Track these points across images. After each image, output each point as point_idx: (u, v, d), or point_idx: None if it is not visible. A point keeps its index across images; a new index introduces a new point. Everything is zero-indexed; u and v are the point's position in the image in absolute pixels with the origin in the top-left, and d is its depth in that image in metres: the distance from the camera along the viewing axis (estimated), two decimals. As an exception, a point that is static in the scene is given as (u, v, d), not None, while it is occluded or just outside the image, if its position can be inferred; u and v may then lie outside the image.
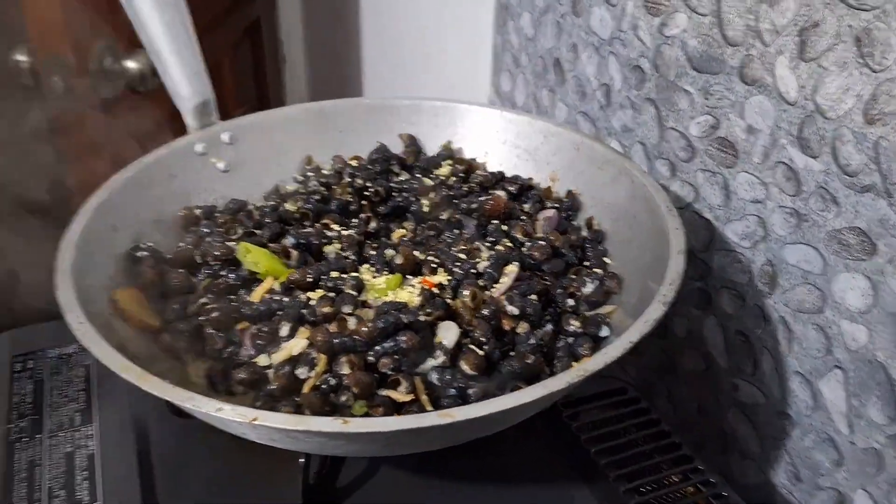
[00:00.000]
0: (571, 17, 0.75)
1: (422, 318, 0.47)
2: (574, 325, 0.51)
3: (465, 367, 0.47)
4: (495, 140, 0.69)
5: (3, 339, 0.65)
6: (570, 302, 0.53)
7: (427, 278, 0.53)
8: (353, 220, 0.62)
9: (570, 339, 0.51)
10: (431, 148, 0.71)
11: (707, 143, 0.61)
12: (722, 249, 0.62)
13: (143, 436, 0.55)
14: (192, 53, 0.63)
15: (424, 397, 0.46)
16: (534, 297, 0.52)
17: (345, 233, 0.59)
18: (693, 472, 0.53)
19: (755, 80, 0.55)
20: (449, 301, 0.51)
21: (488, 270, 0.54)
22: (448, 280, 0.53)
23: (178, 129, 0.66)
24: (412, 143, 0.71)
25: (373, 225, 0.61)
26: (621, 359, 0.42)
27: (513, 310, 0.51)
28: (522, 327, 0.51)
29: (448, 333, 0.48)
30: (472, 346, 0.48)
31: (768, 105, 0.54)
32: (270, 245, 0.57)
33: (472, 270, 0.54)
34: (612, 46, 0.70)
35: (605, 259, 0.58)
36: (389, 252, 0.56)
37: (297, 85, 1.74)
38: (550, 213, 0.61)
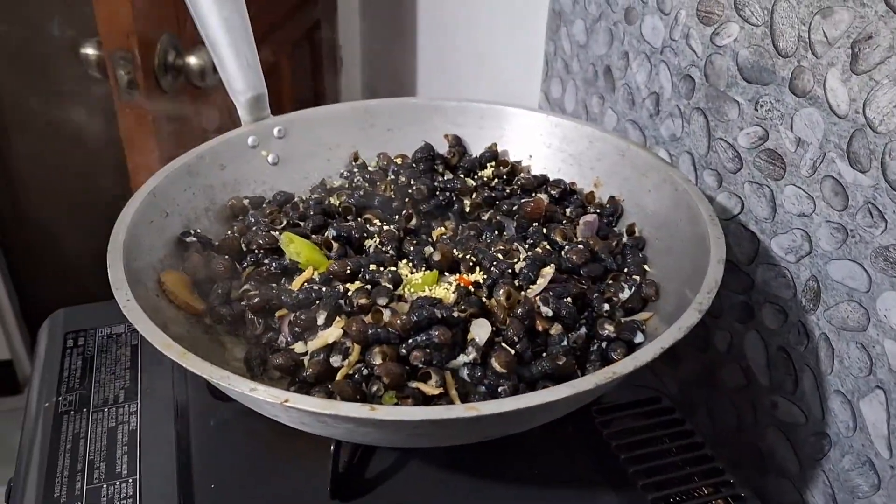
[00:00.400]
0: (624, 25, 0.75)
1: (455, 314, 0.48)
2: (608, 329, 0.51)
3: (495, 364, 0.47)
4: (540, 143, 0.70)
5: (57, 317, 0.67)
6: (606, 307, 0.53)
7: (464, 276, 0.54)
8: (395, 217, 0.63)
9: (604, 344, 0.51)
10: (476, 149, 0.72)
11: (755, 155, 0.60)
12: (766, 263, 0.61)
13: (183, 416, 0.57)
14: (248, 49, 0.65)
15: (454, 392, 0.46)
16: (569, 299, 0.52)
17: (385, 228, 0.60)
18: (724, 486, 0.53)
19: (806, 92, 0.54)
20: (484, 300, 0.51)
21: (524, 271, 0.54)
22: (484, 279, 0.54)
23: (232, 123, 0.69)
24: (457, 144, 0.71)
25: (413, 222, 0.61)
26: (652, 364, 0.42)
27: (547, 311, 0.51)
28: (556, 329, 0.51)
29: (480, 331, 0.48)
30: (504, 345, 0.48)
31: (818, 117, 0.53)
32: (313, 236, 0.58)
33: (509, 271, 0.54)
34: (663, 55, 0.69)
35: (645, 266, 0.58)
36: (428, 249, 0.56)
37: (352, 86, 1.77)
38: (591, 217, 0.61)
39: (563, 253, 0.57)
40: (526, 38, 0.96)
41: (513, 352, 0.48)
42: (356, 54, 1.74)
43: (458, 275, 0.55)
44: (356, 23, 1.70)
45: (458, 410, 0.38)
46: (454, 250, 0.56)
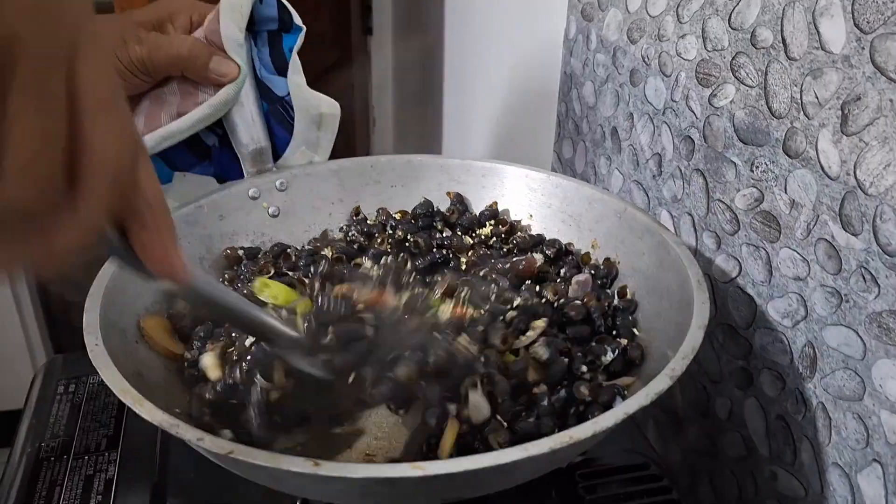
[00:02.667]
0: (629, 87, 0.75)
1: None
2: (584, 392, 0.49)
3: (493, 444, 0.46)
4: (541, 203, 0.69)
5: (56, 362, 0.68)
6: (584, 369, 0.51)
7: (458, 307, 0.54)
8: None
9: (581, 407, 0.49)
10: (478, 207, 0.72)
11: (751, 217, 0.59)
12: (764, 327, 0.59)
13: (163, 466, 0.57)
14: (251, 103, 0.67)
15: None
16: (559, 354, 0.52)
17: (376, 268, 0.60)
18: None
19: (798, 154, 0.53)
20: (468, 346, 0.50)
21: (515, 321, 0.53)
22: (479, 314, 0.53)
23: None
24: (458, 202, 0.71)
25: (409, 267, 0.61)
26: (615, 429, 0.41)
27: (544, 352, 0.50)
28: (541, 388, 0.50)
29: (478, 412, 0.47)
30: (500, 418, 0.48)
31: (811, 179, 0.52)
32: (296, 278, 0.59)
33: (502, 318, 0.54)
34: (664, 116, 0.69)
35: (634, 329, 0.57)
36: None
37: (384, 143, 1.80)
38: (583, 277, 0.61)
39: (559, 307, 0.57)
40: (540, 100, 0.97)
41: (508, 430, 0.47)
42: (388, 114, 1.78)
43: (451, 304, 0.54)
44: (389, 85, 1.73)
45: (404, 469, 0.37)
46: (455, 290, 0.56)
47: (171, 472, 0.56)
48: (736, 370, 0.63)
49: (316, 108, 0.70)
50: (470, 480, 0.38)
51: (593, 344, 0.54)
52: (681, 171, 0.67)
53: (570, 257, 0.64)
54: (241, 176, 0.69)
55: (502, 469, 0.38)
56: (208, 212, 0.64)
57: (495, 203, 0.71)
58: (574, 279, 0.61)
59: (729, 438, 0.65)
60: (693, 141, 0.65)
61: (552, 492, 0.54)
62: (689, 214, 0.67)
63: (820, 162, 0.51)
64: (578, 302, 0.57)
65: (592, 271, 0.62)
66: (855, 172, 0.49)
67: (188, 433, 0.38)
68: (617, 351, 0.52)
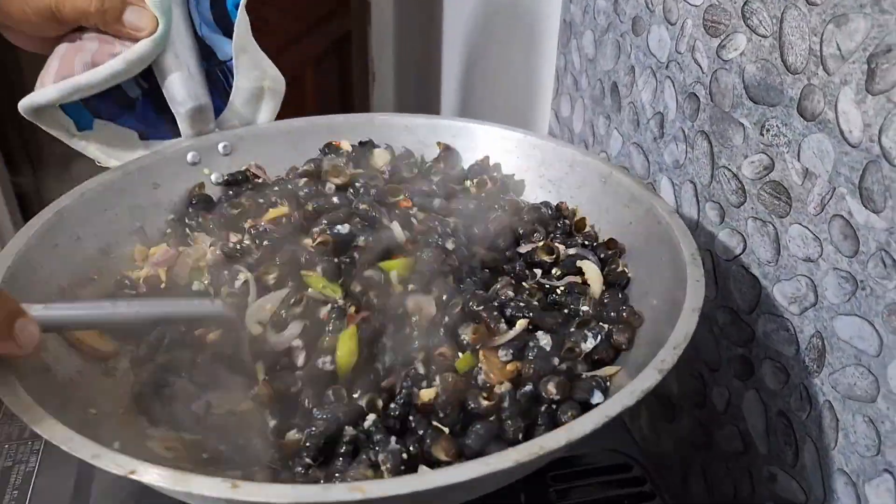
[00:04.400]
0: (630, 37, 0.67)
1: None
2: (551, 391, 0.42)
3: (436, 453, 0.40)
4: (517, 167, 0.63)
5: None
6: (556, 360, 0.45)
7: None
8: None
9: (553, 406, 0.43)
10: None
11: (759, 187, 0.52)
12: (768, 313, 0.53)
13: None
14: (189, 55, 0.59)
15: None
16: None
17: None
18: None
19: (815, 115, 0.46)
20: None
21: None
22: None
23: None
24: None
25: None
26: (585, 439, 0.34)
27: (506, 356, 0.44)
28: (505, 387, 0.43)
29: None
30: (440, 425, 0.41)
31: (828, 145, 0.45)
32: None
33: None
34: (668, 70, 0.61)
35: (623, 308, 0.50)
36: None
37: (384, 101, 1.72)
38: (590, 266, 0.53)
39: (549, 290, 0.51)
40: (538, 51, 0.89)
41: (451, 437, 0.41)
42: (389, 68, 1.69)
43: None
44: (390, 35, 1.65)
45: (340, 491, 0.31)
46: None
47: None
48: (736, 358, 0.57)
49: (259, 80, 0.63)
50: (414, 499, 0.32)
51: (572, 330, 0.47)
52: (684, 132, 0.60)
53: (563, 221, 0.57)
54: (167, 135, 0.62)
55: (461, 486, 0.32)
56: (139, 179, 0.57)
57: (486, 158, 0.64)
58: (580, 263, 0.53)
59: (725, 432, 0.59)
60: (698, 99, 0.58)
61: (521, 496, 0.48)
62: (692, 182, 0.60)
63: (839, 125, 0.44)
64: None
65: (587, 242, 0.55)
66: (880, 139, 0.41)
67: (82, 450, 0.33)
68: (600, 337, 0.46)
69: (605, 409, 0.36)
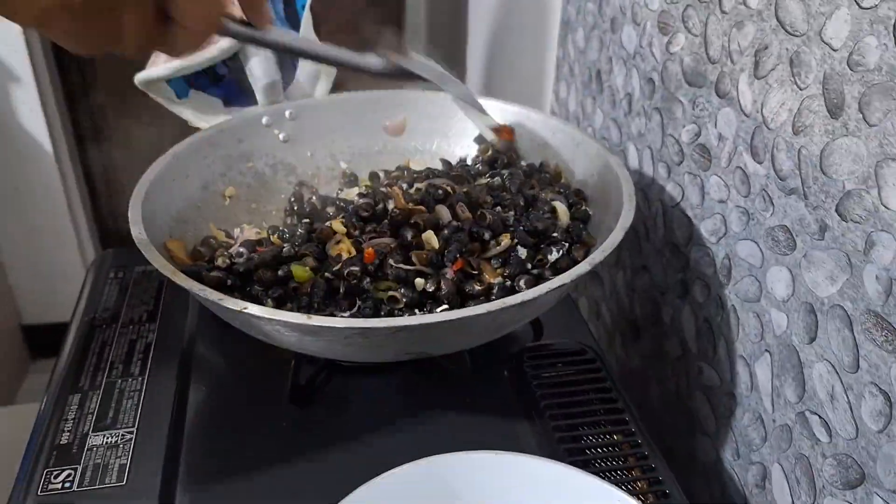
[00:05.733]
0: (610, 34, 0.84)
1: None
2: (522, 286, 0.60)
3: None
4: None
5: (107, 255, 0.82)
6: (528, 266, 0.62)
7: None
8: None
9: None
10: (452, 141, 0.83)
11: (692, 149, 0.69)
12: (698, 244, 0.70)
13: (191, 335, 0.70)
14: None
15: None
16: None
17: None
18: (628, 432, 0.61)
19: (725, 94, 0.63)
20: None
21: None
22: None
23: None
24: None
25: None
26: (542, 300, 0.52)
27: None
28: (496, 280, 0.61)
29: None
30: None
31: (733, 116, 0.62)
32: None
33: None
34: (634, 60, 0.78)
35: (581, 233, 0.67)
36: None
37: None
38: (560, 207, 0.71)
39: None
40: (544, 46, 1.06)
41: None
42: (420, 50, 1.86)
43: None
44: (422, 21, 1.82)
45: (376, 322, 0.49)
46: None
47: (198, 339, 0.69)
48: (677, 282, 0.74)
49: (317, 64, 0.82)
50: (429, 334, 0.51)
51: (543, 245, 0.65)
52: (644, 109, 0.77)
53: (545, 174, 0.75)
54: (246, 103, 0.81)
55: (453, 325, 0.50)
56: (228, 135, 0.76)
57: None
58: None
59: (671, 342, 0.76)
60: (654, 83, 0.75)
61: (504, 371, 0.66)
62: (649, 148, 0.77)
63: (739, 101, 0.61)
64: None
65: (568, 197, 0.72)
66: (762, 110, 0.58)
67: (211, 295, 0.51)
68: (562, 251, 0.63)
69: (550, 284, 0.53)
